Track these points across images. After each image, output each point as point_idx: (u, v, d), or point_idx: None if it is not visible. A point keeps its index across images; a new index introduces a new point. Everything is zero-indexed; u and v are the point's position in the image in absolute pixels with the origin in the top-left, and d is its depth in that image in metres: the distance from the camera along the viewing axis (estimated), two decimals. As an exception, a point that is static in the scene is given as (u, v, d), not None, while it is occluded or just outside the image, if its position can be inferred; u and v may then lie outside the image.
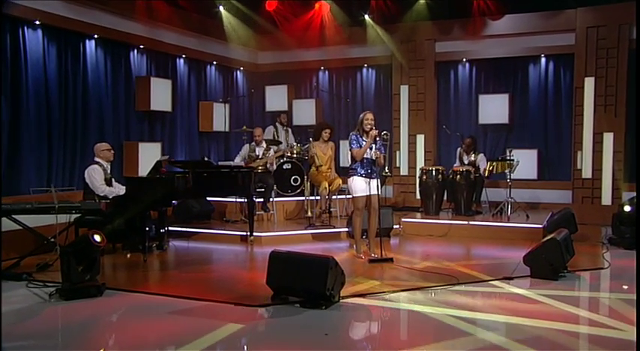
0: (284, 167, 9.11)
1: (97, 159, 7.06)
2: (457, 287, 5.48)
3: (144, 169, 8.40)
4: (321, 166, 8.42)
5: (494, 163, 8.82)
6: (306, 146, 9.12)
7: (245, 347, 4.18)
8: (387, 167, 6.66)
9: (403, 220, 8.66)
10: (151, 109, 9.21)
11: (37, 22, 7.63)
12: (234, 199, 8.82)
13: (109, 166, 7.17)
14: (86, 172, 6.96)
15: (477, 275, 5.96)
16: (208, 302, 5.00)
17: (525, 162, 9.18)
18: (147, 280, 6.12)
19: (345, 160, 9.67)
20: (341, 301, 4.92)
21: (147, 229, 6.83)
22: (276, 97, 11.57)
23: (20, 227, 6.00)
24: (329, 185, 8.31)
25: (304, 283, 4.83)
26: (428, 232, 8.40)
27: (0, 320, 3.96)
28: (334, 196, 8.75)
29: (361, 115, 6.64)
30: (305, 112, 11.37)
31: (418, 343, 4.18)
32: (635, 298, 4.98)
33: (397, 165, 10.70)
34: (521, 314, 4.64)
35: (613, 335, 4.19)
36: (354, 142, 6.54)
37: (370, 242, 6.78)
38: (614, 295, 5.46)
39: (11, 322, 4.41)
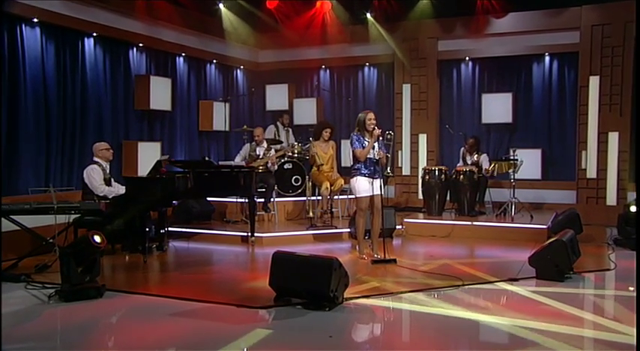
0: (285, 167, 9.05)
1: (95, 159, 7.00)
2: (462, 288, 5.42)
3: (143, 168, 8.36)
4: (322, 165, 8.36)
5: (498, 163, 8.75)
6: (307, 146, 9.06)
7: (248, 350, 4.11)
8: (389, 167, 6.60)
9: (406, 220, 8.59)
10: (150, 108, 9.15)
11: (35, 20, 7.56)
12: (234, 200, 8.76)
13: (108, 166, 7.10)
14: (85, 171, 6.89)
15: (482, 276, 5.91)
16: (210, 304, 4.95)
17: (529, 162, 9.13)
18: (147, 282, 6.07)
19: (347, 160, 9.59)
20: (345, 302, 4.87)
21: (147, 229, 6.77)
22: (276, 96, 11.49)
23: (18, 228, 5.95)
24: (331, 185, 8.25)
25: (308, 285, 4.78)
26: (431, 232, 8.33)
27: (0, 322, 3.92)
28: (336, 197, 8.69)
29: (362, 115, 6.56)
30: (306, 112, 11.29)
31: (423, 345, 4.13)
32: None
33: (399, 165, 10.63)
34: (527, 317, 4.58)
35: (618, 339, 4.11)
36: (356, 142, 6.47)
37: (373, 243, 6.71)
38: (621, 297, 5.36)
39: (10, 324, 4.34)
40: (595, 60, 9.39)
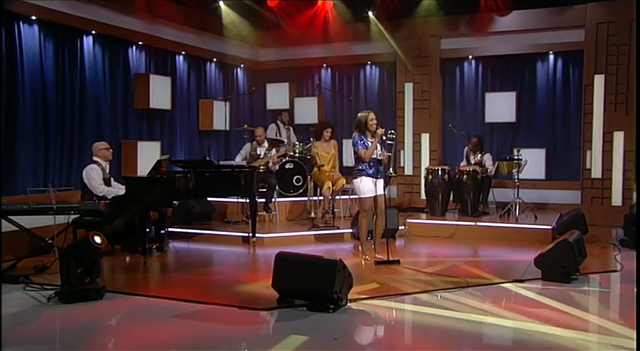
0: (286, 167, 8.99)
1: (95, 158, 6.94)
2: (466, 290, 5.37)
3: (143, 168, 8.31)
4: (324, 165, 8.32)
5: (502, 162, 8.66)
6: (309, 145, 9.01)
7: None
8: (391, 167, 6.57)
9: (408, 221, 8.52)
10: (149, 107, 9.07)
11: (34, 18, 7.48)
12: (235, 200, 8.69)
13: (108, 166, 7.04)
14: (84, 171, 6.83)
15: (487, 277, 5.86)
16: (212, 305, 4.92)
17: (533, 162, 9.02)
18: (148, 283, 6.04)
19: (349, 160, 9.50)
20: (348, 304, 4.84)
21: (147, 230, 6.72)
22: (277, 95, 11.39)
23: (16, 228, 5.90)
24: (332, 185, 8.21)
25: (311, 286, 4.74)
26: (434, 233, 8.26)
27: (0, 323, 3.90)
28: (337, 197, 8.62)
29: (363, 115, 6.50)
30: (307, 111, 11.19)
31: (428, 347, 4.09)
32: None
33: (401, 165, 10.55)
34: (533, 319, 4.53)
35: (626, 344, 4.03)
36: (359, 142, 6.42)
37: (376, 243, 6.63)
38: (629, 298, 5.26)
39: (8, 327, 4.28)
40: (600, 58, 9.29)
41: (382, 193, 6.46)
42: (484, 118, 10.27)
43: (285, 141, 10.00)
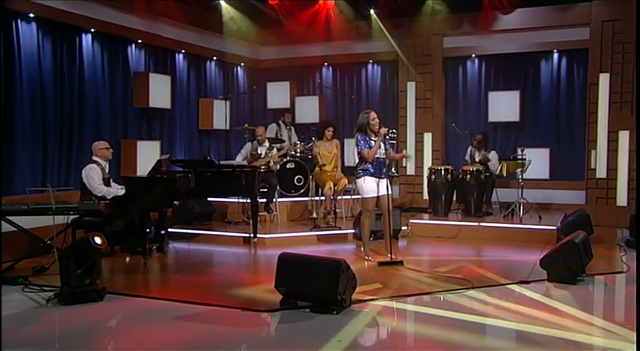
0: (287, 167, 8.93)
1: (94, 158, 6.87)
2: (471, 291, 5.32)
3: (142, 168, 8.25)
4: (325, 165, 8.26)
5: (506, 162, 8.58)
6: (310, 145, 8.95)
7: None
8: (393, 167, 6.58)
9: (411, 221, 8.45)
10: (149, 106, 9.00)
11: (32, 15, 7.42)
12: (235, 200, 8.63)
13: (108, 166, 6.98)
14: (83, 171, 6.76)
15: (492, 279, 5.80)
16: (213, 307, 4.88)
17: (537, 161, 8.96)
18: (148, 284, 6.01)
19: (351, 160, 9.44)
20: (352, 305, 4.79)
21: (147, 230, 6.65)
22: (278, 94, 11.31)
23: (15, 229, 5.85)
24: (334, 185, 8.15)
25: (315, 287, 4.71)
26: (437, 233, 8.20)
27: (0, 324, 3.88)
28: (339, 197, 8.56)
29: (364, 116, 6.47)
30: (308, 110, 11.10)
31: (432, 349, 4.05)
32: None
33: (404, 164, 10.46)
34: (539, 322, 4.48)
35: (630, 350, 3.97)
36: (362, 142, 6.38)
37: (387, 243, 6.51)
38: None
39: (7, 329, 4.21)
40: (605, 57, 9.20)
41: (388, 193, 6.39)
42: (487, 117, 10.18)
43: (287, 141, 9.93)
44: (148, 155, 8.39)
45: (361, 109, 6.71)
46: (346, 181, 8.23)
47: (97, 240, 4.95)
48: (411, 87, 10.48)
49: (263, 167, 8.49)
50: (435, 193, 8.84)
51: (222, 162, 9.85)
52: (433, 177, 8.83)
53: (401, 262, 6.31)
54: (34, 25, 7.48)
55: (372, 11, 10.25)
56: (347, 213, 8.79)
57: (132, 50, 9.02)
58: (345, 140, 10.23)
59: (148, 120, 9.28)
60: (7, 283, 5.41)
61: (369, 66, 11.20)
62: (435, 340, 4.22)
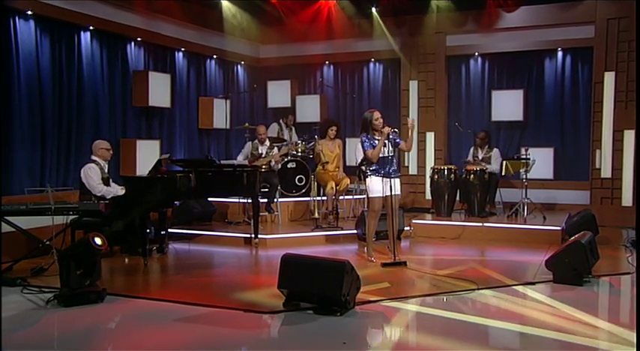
0: (288, 166, 8.86)
1: (94, 157, 6.81)
2: (476, 292, 5.27)
3: (142, 167, 8.18)
4: (327, 164, 8.22)
5: (510, 162, 8.49)
6: (312, 144, 8.88)
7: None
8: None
9: (414, 221, 8.38)
10: (149, 105, 8.92)
11: (30, 13, 7.34)
12: (236, 200, 8.57)
13: (107, 165, 6.92)
14: (83, 170, 6.70)
15: (497, 280, 5.75)
16: (215, 309, 4.85)
17: (541, 161, 8.84)
18: (149, 285, 5.99)
19: (353, 160, 9.36)
20: (356, 307, 4.74)
21: (147, 231, 6.59)
22: (278, 93, 11.23)
23: (13, 229, 5.81)
24: (336, 185, 8.11)
25: (319, 289, 4.66)
26: (440, 234, 8.13)
27: (0, 324, 3.85)
28: (341, 197, 8.48)
29: (368, 116, 6.45)
30: (309, 109, 11.01)
31: (438, 350, 4.04)
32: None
33: (406, 164, 10.37)
34: (545, 325, 4.42)
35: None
36: (367, 142, 6.35)
37: (391, 244, 6.45)
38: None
39: (6, 330, 4.14)
40: (610, 55, 9.11)
41: (395, 193, 6.33)
42: (490, 116, 10.08)
43: (288, 140, 9.86)
44: (147, 154, 8.32)
45: (363, 108, 6.67)
46: (348, 181, 8.17)
47: (98, 241, 4.91)
48: (413, 86, 10.39)
49: (264, 167, 8.44)
50: (438, 193, 8.77)
51: (222, 161, 9.77)
52: (436, 177, 8.75)
53: (404, 263, 6.25)
54: (32, 22, 7.39)
55: (373, 9, 10.16)
56: (349, 213, 8.72)
57: (131, 48, 8.94)
58: (347, 139, 10.13)
59: (147, 119, 9.21)
60: (5, 285, 5.35)
61: (371, 64, 11.11)
62: (440, 341, 4.17)
